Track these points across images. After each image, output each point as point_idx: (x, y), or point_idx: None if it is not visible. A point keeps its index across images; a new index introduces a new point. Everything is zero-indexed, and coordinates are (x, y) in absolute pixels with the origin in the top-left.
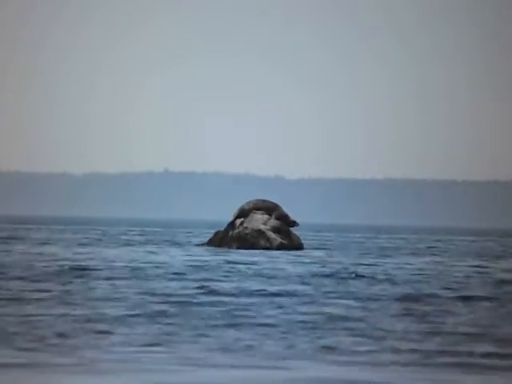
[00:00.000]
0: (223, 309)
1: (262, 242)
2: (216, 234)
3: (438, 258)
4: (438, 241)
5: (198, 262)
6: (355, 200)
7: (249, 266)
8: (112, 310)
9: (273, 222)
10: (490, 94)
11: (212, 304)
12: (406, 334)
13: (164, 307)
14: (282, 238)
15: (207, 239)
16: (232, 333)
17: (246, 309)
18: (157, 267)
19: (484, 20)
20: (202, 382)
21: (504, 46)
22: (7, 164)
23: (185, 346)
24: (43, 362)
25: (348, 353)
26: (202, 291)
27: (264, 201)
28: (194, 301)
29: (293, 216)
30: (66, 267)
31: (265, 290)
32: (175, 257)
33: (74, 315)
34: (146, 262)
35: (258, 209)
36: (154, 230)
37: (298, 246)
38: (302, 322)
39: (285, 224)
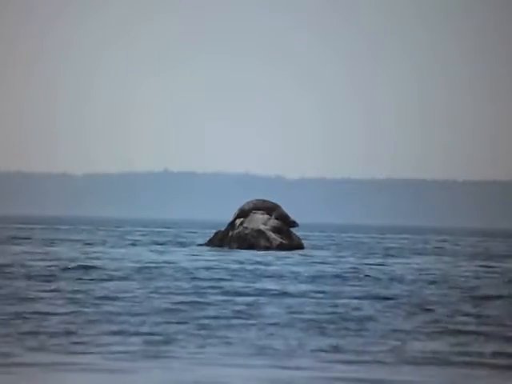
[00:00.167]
0: (237, 308)
1: (262, 242)
2: (216, 234)
3: (445, 258)
4: (444, 241)
5: (205, 261)
6: (355, 200)
7: (256, 265)
8: (125, 310)
9: (273, 222)
10: (490, 94)
11: (224, 303)
12: (418, 334)
13: (176, 306)
14: (282, 238)
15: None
16: (245, 332)
17: (256, 308)
18: (169, 267)
19: (485, 20)
20: (213, 382)
21: (504, 47)
22: (7, 164)
23: (197, 345)
24: (58, 362)
25: (359, 352)
26: (216, 291)
27: (264, 201)
28: (206, 300)
29: (293, 216)
30: (75, 266)
31: (275, 290)
32: (186, 257)
33: (86, 313)
34: (156, 262)
35: (258, 209)
36: (157, 230)
37: (299, 246)
38: (313, 320)
39: (285, 224)
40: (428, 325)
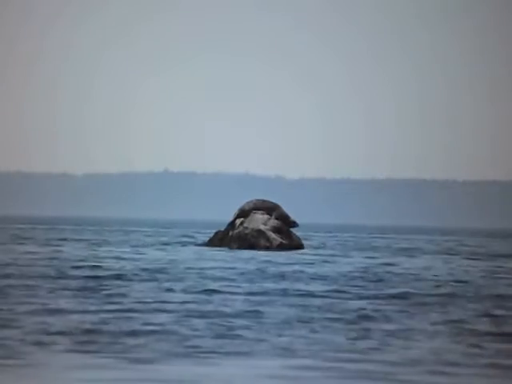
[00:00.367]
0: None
1: (262, 242)
2: (216, 234)
3: (451, 258)
4: (452, 241)
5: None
6: (355, 200)
7: (267, 266)
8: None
9: (273, 221)
10: (490, 94)
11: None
12: (435, 334)
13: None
14: (282, 238)
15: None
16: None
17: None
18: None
19: (485, 20)
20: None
21: (504, 47)
22: (7, 164)
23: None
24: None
25: (379, 351)
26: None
27: (264, 201)
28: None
29: (293, 216)
30: (86, 267)
31: (287, 289)
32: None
33: (109, 310)
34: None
35: (258, 209)
36: (159, 230)
37: (299, 246)
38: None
39: (285, 224)
40: (443, 325)
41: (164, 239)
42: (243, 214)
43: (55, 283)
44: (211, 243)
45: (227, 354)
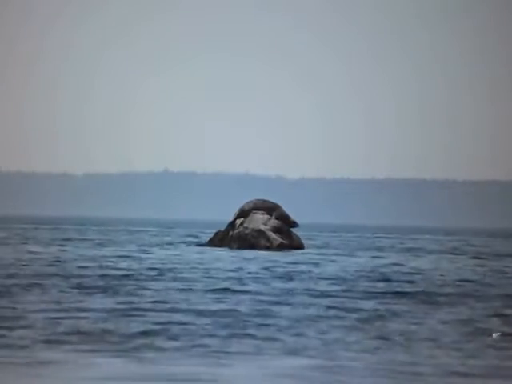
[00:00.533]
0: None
1: (263, 242)
2: (216, 234)
3: (457, 258)
4: (457, 240)
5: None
6: (355, 200)
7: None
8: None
9: (273, 222)
10: (490, 94)
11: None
12: (446, 334)
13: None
14: (282, 238)
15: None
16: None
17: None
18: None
19: (485, 20)
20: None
21: (504, 47)
22: (7, 164)
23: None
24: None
25: (388, 351)
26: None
27: (264, 201)
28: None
29: (293, 216)
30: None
31: (295, 289)
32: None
33: (124, 308)
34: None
35: (258, 209)
36: (163, 230)
37: (299, 246)
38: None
39: (285, 224)
40: (458, 327)
41: (169, 239)
42: (243, 214)
43: (62, 283)
44: (212, 243)
45: (238, 353)
